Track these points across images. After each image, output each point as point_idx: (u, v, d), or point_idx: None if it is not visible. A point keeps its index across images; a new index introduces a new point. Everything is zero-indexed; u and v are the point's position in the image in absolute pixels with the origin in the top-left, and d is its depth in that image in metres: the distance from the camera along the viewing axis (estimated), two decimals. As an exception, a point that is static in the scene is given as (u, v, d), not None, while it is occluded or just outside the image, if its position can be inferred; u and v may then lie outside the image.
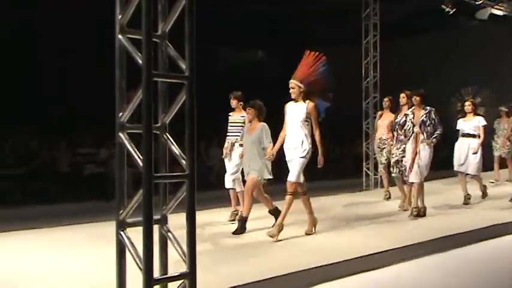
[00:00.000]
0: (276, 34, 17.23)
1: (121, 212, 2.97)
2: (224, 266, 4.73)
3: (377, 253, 5.15)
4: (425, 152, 7.27)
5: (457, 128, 8.58)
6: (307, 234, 6.01)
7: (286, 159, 5.87)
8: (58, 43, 13.89)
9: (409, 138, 7.35)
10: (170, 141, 3.05)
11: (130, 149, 2.89)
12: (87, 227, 6.97)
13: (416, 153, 7.25)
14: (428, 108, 7.29)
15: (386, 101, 8.67)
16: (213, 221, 7.01)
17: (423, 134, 7.22)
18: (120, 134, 2.94)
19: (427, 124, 7.22)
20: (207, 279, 3.80)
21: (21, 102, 12.84)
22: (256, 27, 16.72)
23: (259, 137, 6.31)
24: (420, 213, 7.22)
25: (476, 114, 8.45)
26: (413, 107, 7.39)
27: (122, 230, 2.95)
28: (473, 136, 8.39)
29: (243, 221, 6.26)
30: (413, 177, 7.28)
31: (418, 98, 7.30)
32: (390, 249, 5.30)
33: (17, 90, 12.92)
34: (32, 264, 4.89)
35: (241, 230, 6.20)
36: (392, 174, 8.01)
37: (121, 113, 2.96)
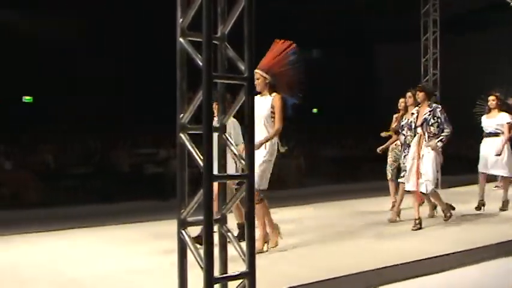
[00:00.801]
0: (333, 32, 17.08)
1: (182, 211, 3.02)
2: (283, 265, 4.74)
3: (440, 256, 5.00)
4: (428, 157, 6.26)
5: (481, 125, 7.73)
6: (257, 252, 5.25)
7: None
8: (116, 45, 14.34)
9: (411, 140, 6.51)
10: (229, 141, 3.09)
11: (191, 150, 2.94)
12: (147, 225, 7.17)
13: (419, 157, 6.29)
14: (433, 105, 6.42)
15: (401, 103, 7.52)
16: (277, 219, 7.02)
17: (424, 134, 6.32)
18: (181, 135, 2.99)
19: (430, 123, 6.30)
20: (266, 278, 3.81)
21: (84, 103, 13.34)
22: (312, 26, 16.63)
23: (229, 135, 5.76)
24: (421, 225, 6.34)
25: (501, 110, 7.54)
26: (419, 105, 6.56)
27: (183, 229, 3.00)
28: (497, 135, 7.48)
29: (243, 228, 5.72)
30: (422, 187, 6.31)
31: (421, 94, 6.44)
32: (453, 253, 5.14)
33: (79, 92, 13.44)
34: (95, 262, 5.06)
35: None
36: (399, 179, 7.03)
37: (182, 114, 3.01)
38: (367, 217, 7.28)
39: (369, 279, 4.40)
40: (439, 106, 6.43)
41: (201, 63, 2.78)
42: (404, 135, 6.78)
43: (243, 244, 2.93)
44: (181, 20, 2.91)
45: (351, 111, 17.39)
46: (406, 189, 6.56)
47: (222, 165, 3.10)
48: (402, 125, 6.92)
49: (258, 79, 4.96)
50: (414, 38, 11.70)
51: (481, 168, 7.67)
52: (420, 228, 6.29)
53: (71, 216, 7.99)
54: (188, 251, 2.99)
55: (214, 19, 2.88)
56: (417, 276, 4.62)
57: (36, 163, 10.91)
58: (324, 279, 4.20)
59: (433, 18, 11.30)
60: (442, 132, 6.29)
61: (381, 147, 7.72)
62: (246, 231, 2.94)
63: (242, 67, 2.93)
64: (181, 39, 2.92)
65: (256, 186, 4.71)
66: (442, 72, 11.31)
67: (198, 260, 2.86)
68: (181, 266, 3.03)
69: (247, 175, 2.94)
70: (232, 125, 5.61)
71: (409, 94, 7.17)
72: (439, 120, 6.29)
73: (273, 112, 5.04)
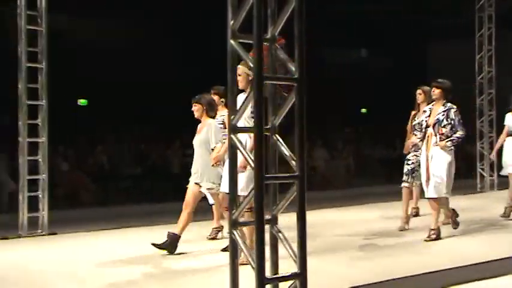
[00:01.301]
0: (388, 30, 16.80)
1: (233, 211, 3.05)
2: (333, 266, 4.71)
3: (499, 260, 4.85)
4: (440, 158, 5.69)
5: (504, 123, 7.29)
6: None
7: None
8: (169, 49, 14.61)
9: (421, 141, 5.97)
10: (280, 142, 3.09)
11: (242, 151, 2.97)
12: (198, 225, 7.27)
13: (427, 159, 5.76)
14: (448, 105, 5.81)
15: (419, 94, 6.62)
16: (319, 221, 6.99)
17: (436, 136, 5.75)
18: (232, 136, 3.03)
19: (442, 124, 5.73)
20: (318, 280, 3.79)
21: (137, 105, 13.67)
22: (363, 24, 16.43)
23: (207, 137, 5.41)
24: (438, 235, 5.78)
25: None
26: (433, 103, 5.96)
27: (235, 230, 3.03)
28: None
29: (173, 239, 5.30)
30: (431, 192, 5.75)
31: (437, 91, 5.80)
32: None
33: (133, 94, 13.77)
34: (149, 261, 5.16)
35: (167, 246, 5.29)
36: (402, 184, 6.56)
37: (233, 116, 3.04)
38: (416, 218, 7.10)
39: (429, 282, 4.31)
40: (454, 106, 5.84)
41: (251, 65, 2.80)
42: (415, 135, 6.30)
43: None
44: (232, 22, 2.94)
45: (401, 111, 17.00)
46: (426, 196, 5.93)
47: (274, 166, 3.11)
48: (414, 125, 6.46)
49: (239, 75, 4.61)
50: (469, 34, 11.36)
51: (502, 171, 7.33)
52: (437, 238, 5.72)
53: (124, 216, 8.20)
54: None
55: (265, 20, 2.90)
56: (479, 279, 4.47)
57: (91, 164, 11.27)
58: (378, 282, 4.14)
59: (488, 14, 10.94)
60: (454, 134, 5.75)
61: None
62: (298, 231, 2.93)
63: (292, 68, 2.93)
64: (232, 41, 2.95)
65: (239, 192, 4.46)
66: (498, 69, 10.94)
67: (250, 260, 2.88)
68: (233, 266, 3.06)
69: (298, 176, 2.94)
70: (209, 126, 5.42)
71: (419, 91, 6.55)
72: (452, 121, 5.74)
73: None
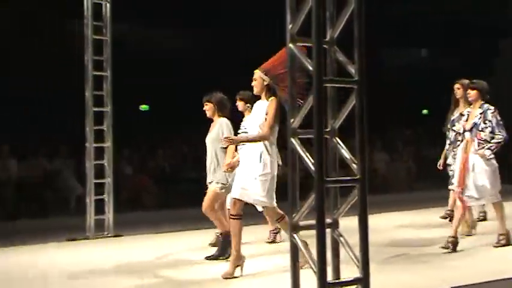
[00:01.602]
0: (449, 29, 16.34)
1: (294, 215, 3.05)
2: (395, 272, 4.61)
3: None
4: (483, 167, 5.33)
5: None
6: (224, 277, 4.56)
7: None
8: (226, 54, 14.81)
9: (457, 146, 5.69)
10: (340, 145, 3.07)
11: (302, 154, 2.97)
12: (256, 228, 7.31)
13: (464, 167, 5.38)
14: (485, 106, 5.43)
15: (457, 88, 6.17)
16: (379, 225, 6.86)
17: (474, 141, 5.39)
18: (292, 140, 3.03)
19: (480, 128, 5.36)
20: (380, 285, 3.72)
21: (194, 111, 13.95)
22: (425, 25, 16.06)
23: (218, 136, 5.26)
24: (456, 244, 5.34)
25: None
26: (471, 106, 5.60)
27: (295, 233, 3.03)
28: None
29: (225, 241, 5.18)
30: (468, 202, 5.42)
31: (473, 93, 5.46)
32: None
33: (194, 99, 14.06)
34: (211, 264, 5.22)
35: (220, 252, 5.24)
36: (449, 187, 6.19)
37: (292, 119, 3.05)
38: (479, 224, 6.80)
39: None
40: (491, 107, 5.45)
41: (311, 68, 2.80)
42: (454, 131, 5.97)
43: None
44: (290, 25, 2.95)
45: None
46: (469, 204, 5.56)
47: (334, 169, 3.09)
48: (453, 119, 6.09)
49: (255, 80, 4.56)
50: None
51: None
52: (454, 250, 5.30)
53: (187, 218, 8.36)
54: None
55: (323, 23, 2.89)
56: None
57: (153, 168, 11.58)
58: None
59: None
60: (493, 138, 5.35)
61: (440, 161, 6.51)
62: (360, 235, 2.90)
63: (352, 70, 2.91)
64: (291, 45, 2.96)
65: (268, 202, 4.37)
66: None
67: (311, 263, 2.87)
68: (294, 270, 3.06)
69: (359, 179, 2.91)
70: (220, 125, 5.30)
71: (457, 86, 6.12)
72: (490, 124, 5.35)
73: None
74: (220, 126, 5.33)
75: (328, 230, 2.95)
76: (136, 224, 8.19)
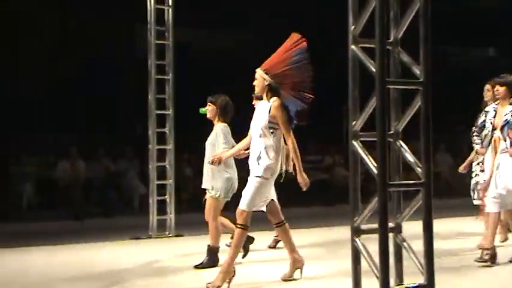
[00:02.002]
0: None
1: (355, 218, 3.01)
2: (460, 279, 4.45)
3: None
4: (509, 167, 4.78)
5: None
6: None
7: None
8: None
9: (486, 147, 5.24)
10: (404, 148, 3.01)
11: (364, 157, 2.93)
12: (316, 231, 7.27)
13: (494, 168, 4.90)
14: None
15: (487, 90, 5.69)
16: (442, 231, 6.64)
17: (505, 140, 4.84)
18: (354, 142, 2.99)
19: None
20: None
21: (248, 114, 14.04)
22: (492, 23, 15.46)
23: (213, 142, 5.05)
24: (491, 257, 4.87)
25: None
26: (496, 102, 5.19)
27: (357, 237, 3.00)
28: None
29: (211, 253, 5.03)
30: (490, 206, 4.89)
31: (502, 89, 4.96)
32: None
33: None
34: (278, 265, 5.21)
35: (208, 263, 5.02)
36: (473, 201, 5.84)
37: (354, 122, 3.01)
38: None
39: None
40: None
41: (374, 70, 2.76)
42: (475, 143, 5.68)
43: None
44: (353, 27, 2.92)
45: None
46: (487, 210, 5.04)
47: (397, 173, 3.03)
48: (481, 123, 5.68)
49: (256, 79, 4.33)
50: None
51: None
52: (493, 262, 4.85)
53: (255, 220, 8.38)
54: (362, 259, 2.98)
55: (387, 24, 2.84)
56: None
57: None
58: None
59: None
60: None
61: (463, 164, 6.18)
62: (425, 241, 2.82)
63: (417, 71, 2.84)
64: (353, 47, 2.92)
65: (243, 207, 4.18)
66: None
67: (373, 268, 2.83)
68: (355, 274, 3.02)
69: (423, 183, 2.84)
70: (217, 129, 5.09)
71: (487, 87, 5.65)
72: None
73: (272, 122, 4.24)
74: (216, 133, 5.10)
75: (390, 235, 2.89)
76: (196, 224, 8.32)
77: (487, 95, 5.67)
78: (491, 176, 4.93)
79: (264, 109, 4.31)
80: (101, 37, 13.09)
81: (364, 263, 2.95)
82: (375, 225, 3.13)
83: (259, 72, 4.31)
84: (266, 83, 4.28)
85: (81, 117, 12.58)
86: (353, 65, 2.95)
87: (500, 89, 4.99)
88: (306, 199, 10.69)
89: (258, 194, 4.26)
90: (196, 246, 6.53)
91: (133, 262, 5.60)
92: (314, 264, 5.11)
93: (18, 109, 11.78)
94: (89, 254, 6.33)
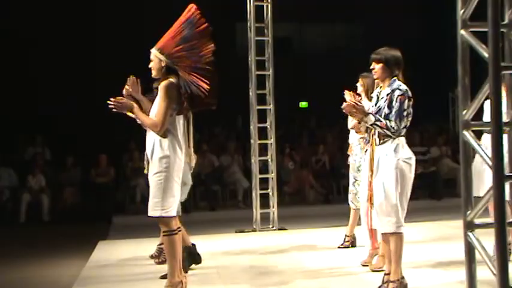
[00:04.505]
0: None
1: (468, 212, 2.86)
2: None
3: None
4: None
5: None
6: None
7: None
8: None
9: None
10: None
11: (477, 148, 2.77)
12: (422, 225, 7.02)
13: None
14: None
15: None
16: None
17: None
18: (465, 132, 2.84)
19: None
20: None
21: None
22: None
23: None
24: None
25: None
26: None
27: (471, 231, 2.85)
28: None
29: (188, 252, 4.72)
30: None
31: None
32: None
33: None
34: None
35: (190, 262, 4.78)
36: None
37: (465, 111, 2.86)
38: None
39: None
40: None
41: (486, 55, 2.60)
42: None
43: None
44: (462, 11, 2.77)
45: None
46: None
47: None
48: None
49: (152, 61, 3.82)
50: None
51: None
52: None
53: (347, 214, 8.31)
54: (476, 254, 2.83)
55: (501, 3, 2.66)
56: None
57: (314, 163, 11.71)
58: None
59: None
60: None
61: None
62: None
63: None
64: (462, 32, 2.77)
65: (149, 212, 3.82)
66: None
67: (490, 265, 2.67)
68: (470, 271, 2.88)
69: None
70: None
71: None
72: None
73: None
74: None
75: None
76: (298, 218, 8.36)
77: None
78: None
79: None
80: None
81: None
82: (488, 220, 2.98)
83: (153, 53, 3.81)
84: (162, 64, 3.78)
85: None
86: (463, 51, 2.79)
87: None
88: (413, 192, 10.37)
89: (164, 193, 3.85)
90: (299, 239, 6.57)
91: (239, 253, 5.76)
92: (430, 258, 4.95)
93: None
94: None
